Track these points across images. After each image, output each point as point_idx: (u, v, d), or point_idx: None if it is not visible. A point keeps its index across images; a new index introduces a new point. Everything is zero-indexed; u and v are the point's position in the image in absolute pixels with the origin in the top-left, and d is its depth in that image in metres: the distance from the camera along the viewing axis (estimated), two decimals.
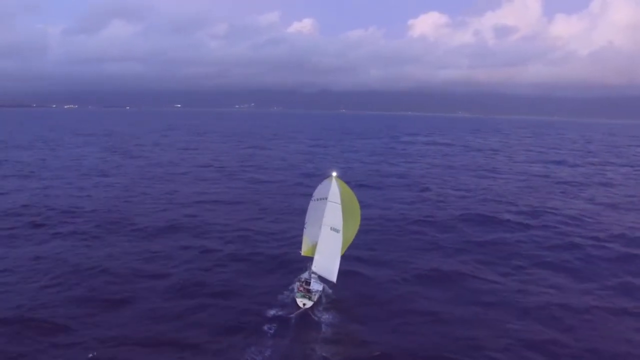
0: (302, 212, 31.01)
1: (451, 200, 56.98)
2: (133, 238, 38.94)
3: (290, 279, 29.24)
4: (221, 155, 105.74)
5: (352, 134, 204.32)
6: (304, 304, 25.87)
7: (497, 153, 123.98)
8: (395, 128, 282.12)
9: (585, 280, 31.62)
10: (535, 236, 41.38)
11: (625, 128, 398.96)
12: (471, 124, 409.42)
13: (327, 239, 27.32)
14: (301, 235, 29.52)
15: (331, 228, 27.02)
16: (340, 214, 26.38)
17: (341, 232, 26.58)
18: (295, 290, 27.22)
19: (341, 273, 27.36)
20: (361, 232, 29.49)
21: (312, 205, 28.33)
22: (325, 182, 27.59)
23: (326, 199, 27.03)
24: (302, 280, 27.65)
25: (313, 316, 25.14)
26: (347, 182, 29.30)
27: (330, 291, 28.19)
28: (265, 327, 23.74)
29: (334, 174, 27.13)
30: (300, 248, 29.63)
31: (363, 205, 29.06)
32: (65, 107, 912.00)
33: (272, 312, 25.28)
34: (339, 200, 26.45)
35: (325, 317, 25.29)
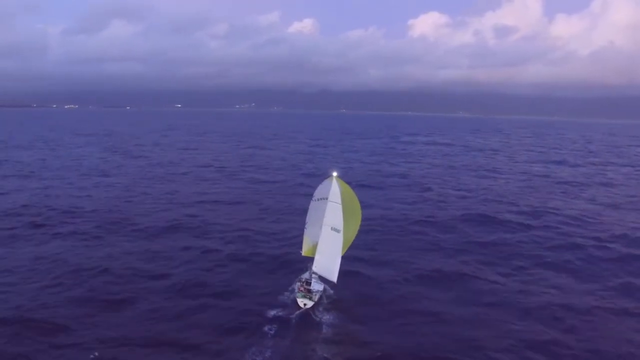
0: (303, 212, 30.97)
1: (452, 200, 56.91)
2: (133, 238, 38.89)
3: (291, 280, 29.19)
4: (221, 155, 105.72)
5: (352, 134, 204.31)
6: (305, 304, 25.84)
7: (498, 153, 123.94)
8: (396, 128, 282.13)
9: (587, 281, 31.56)
10: (537, 236, 41.31)
11: (625, 128, 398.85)
12: (471, 124, 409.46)
13: (328, 239, 27.27)
14: (302, 236, 29.48)
15: (332, 228, 26.98)
16: (341, 214, 26.34)
17: (342, 232, 26.54)
18: (296, 290, 27.17)
19: (342, 273, 27.32)
20: (362, 232, 29.44)
21: (313, 205, 28.27)
22: (325, 182, 27.54)
23: (327, 199, 26.98)
24: (303, 280, 27.59)
25: (314, 316, 25.10)
26: (348, 182, 29.25)
27: (331, 291, 28.14)
28: (266, 328, 23.70)
29: (335, 173, 27.09)
30: (300, 248, 29.59)
31: (364, 206, 29.01)
32: (66, 107, 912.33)
33: (272, 313, 25.24)
34: (339, 200, 26.40)
35: (326, 317, 25.25)
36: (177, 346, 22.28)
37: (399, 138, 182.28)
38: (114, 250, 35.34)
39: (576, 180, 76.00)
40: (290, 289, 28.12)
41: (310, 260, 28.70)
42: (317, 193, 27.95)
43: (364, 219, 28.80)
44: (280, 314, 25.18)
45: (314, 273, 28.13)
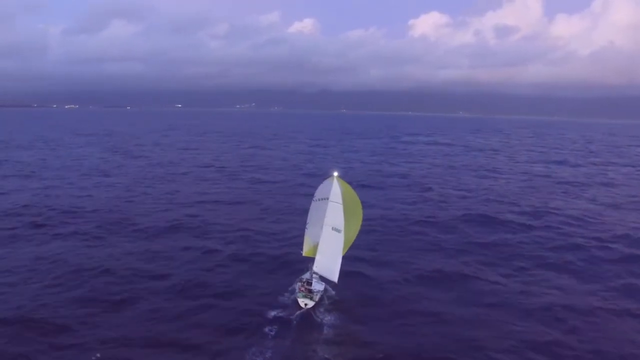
0: (303, 212, 30.92)
1: (453, 200, 56.84)
2: (134, 238, 38.85)
3: (292, 280, 29.14)
4: (222, 155, 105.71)
5: (353, 134, 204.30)
6: (306, 304, 25.79)
7: (498, 153, 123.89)
8: (396, 128, 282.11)
9: (589, 282, 31.47)
10: (538, 237, 41.22)
11: (625, 128, 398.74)
12: (471, 124, 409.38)
13: (329, 238, 27.22)
14: (302, 236, 29.46)
15: (332, 228, 26.93)
16: (342, 213, 26.29)
17: (342, 232, 26.48)
18: (297, 290, 27.12)
19: (343, 273, 27.27)
20: (363, 232, 29.38)
21: (314, 205, 28.23)
22: (326, 182, 27.50)
23: (327, 199, 26.94)
24: (304, 280, 27.56)
25: (314, 316, 25.04)
26: (349, 182, 29.20)
27: (331, 291, 28.10)
28: (267, 328, 23.65)
29: (335, 173, 27.05)
30: (301, 249, 29.56)
31: (364, 206, 28.96)
32: (66, 107, 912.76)
33: (273, 313, 25.19)
34: (340, 200, 26.36)
35: (327, 317, 25.20)
36: (177, 346, 22.24)
37: (399, 138, 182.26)
38: (115, 251, 35.29)
39: (577, 180, 75.93)
40: (290, 289, 28.07)
41: (310, 260, 28.66)
42: (318, 193, 27.90)
43: (364, 219, 28.74)
44: (280, 314, 25.13)
45: (315, 273, 28.09)
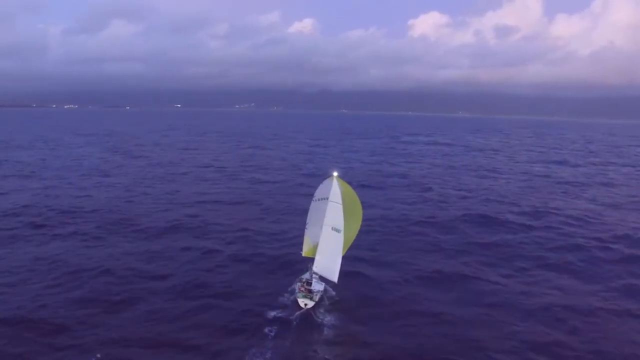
0: (303, 212, 30.88)
1: (453, 200, 56.79)
2: (134, 239, 38.80)
3: (292, 280, 29.10)
4: (222, 155, 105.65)
5: (352, 134, 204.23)
6: (306, 304, 25.76)
7: (498, 153, 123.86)
8: (396, 128, 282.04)
9: (589, 282, 31.42)
10: (538, 237, 41.15)
11: (625, 128, 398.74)
12: (471, 124, 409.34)
13: (328, 238, 27.19)
14: (302, 236, 29.42)
15: (332, 228, 26.89)
16: (342, 213, 26.25)
17: (342, 232, 26.43)
18: (297, 290, 27.09)
19: (343, 273, 27.23)
20: (363, 232, 29.33)
21: (314, 205, 28.19)
22: (326, 182, 27.46)
23: (327, 199, 26.90)
24: (304, 280, 27.54)
25: (314, 317, 25.00)
26: (349, 182, 29.16)
27: (331, 291, 28.07)
28: (267, 329, 23.61)
29: (335, 173, 27.01)
30: (301, 249, 29.51)
31: (364, 206, 28.91)
32: (66, 107, 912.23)
33: (273, 313, 25.16)
34: (340, 200, 26.32)
35: (327, 318, 25.16)
36: (177, 347, 22.20)
37: (399, 138, 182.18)
38: (115, 251, 35.24)
39: (577, 180, 75.89)
40: (290, 289, 28.03)
41: (310, 260, 28.63)
42: (318, 193, 27.87)
43: (364, 219, 28.70)
44: (280, 314, 25.09)
45: (315, 273, 28.06)
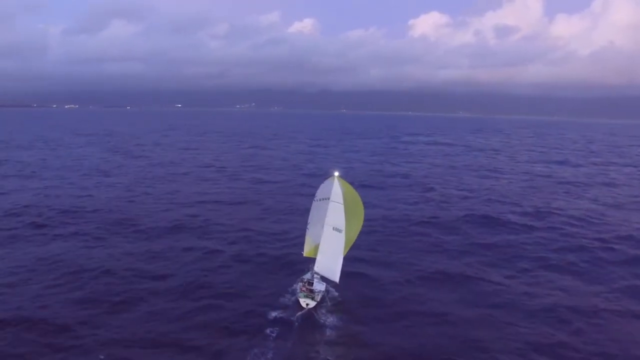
0: (304, 212, 30.78)
1: (454, 200, 56.66)
2: (135, 239, 38.69)
3: (293, 280, 29.00)
4: (222, 155, 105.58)
5: (353, 134, 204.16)
6: (307, 304, 25.68)
7: (499, 153, 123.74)
8: (396, 128, 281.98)
9: (593, 283, 31.27)
10: (541, 238, 40.99)
11: (625, 128, 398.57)
12: (472, 124, 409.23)
13: (330, 238, 27.07)
14: (303, 236, 29.31)
15: (333, 228, 26.78)
16: (343, 213, 26.15)
17: (343, 232, 26.32)
18: (298, 290, 27.00)
19: (344, 274, 27.13)
20: (364, 232, 29.22)
21: (315, 205, 28.11)
22: (327, 182, 27.37)
23: (328, 199, 26.79)
24: (305, 280, 27.47)
25: (316, 317, 24.90)
26: (350, 182, 29.03)
27: (333, 292, 27.99)
28: (268, 329, 23.51)
29: (336, 173, 26.91)
30: (302, 249, 29.39)
31: (366, 206, 28.76)
32: (66, 107, 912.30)
33: (274, 314, 25.08)
34: (341, 200, 26.22)
35: (329, 318, 25.06)
36: (178, 348, 22.11)
37: (399, 138, 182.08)
38: (116, 251, 35.13)
39: (578, 180, 75.75)
40: (291, 289, 27.94)
41: (312, 261, 28.54)
42: (319, 193, 27.79)
43: (366, 220, 28.62)
44: (282, 315, 25.00)
45: (316, 273, 27.97)
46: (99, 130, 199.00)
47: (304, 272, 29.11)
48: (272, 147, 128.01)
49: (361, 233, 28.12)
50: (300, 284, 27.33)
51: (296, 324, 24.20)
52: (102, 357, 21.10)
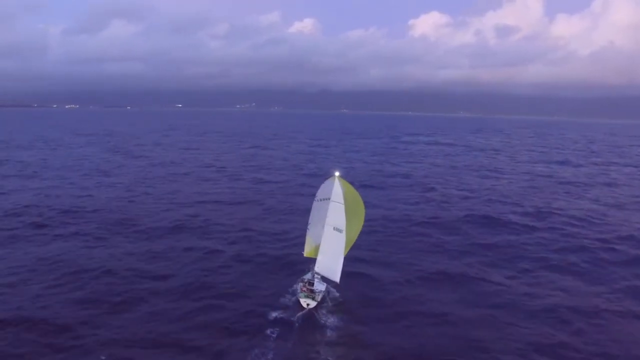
0: (305, 212, 30.75)
1: (455, 200, 56.60)
2: (136, 239, 38.66)
3: (294, 280, 29.00)
4: (223, 155, 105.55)
5: (353, 134, 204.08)
6: (308, 304, 25.67)
7: (499, 153, 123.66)
8: (396, 128, 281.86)
9: (594, 283, 31.23)
10: (541, 238, 40.93)
11: (625, 128, 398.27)
12: (472, 124, 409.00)
13: (330, 238, 27.05)
14: (304, 236, 29.27)
15: (334, 228, 26.76)
16: (343, 213, 26.13)
17: (344, 232, 26.29)
18: (299, 290, 26.99)
19: (345, 274, 27.10)
20: (365, 232, 29.17)
21: (315, 205, 28.08)
22: (327, 181, 27.35)
23: (329, 199, 26.75)
24: (305, 280, 27.47)
25: (317, 317, 24.88)
26: (350, 183, 29.00)
27: (334, 292, 27.97)
28: (269, 330, 23.50)
29: (337, 173, 26.88)
30: (303, 249, 29.36)
31: (366, 206, 28.74)
32: (66, 107, 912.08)
33: (275, 314, 25.07)
34: (342, 200, 26.19)
35: (329, 318, 25.04)
36: (179, 348, 22.10)
37: (399, 138, 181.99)
38: (116, 251, 35.11)
39: (579, 180, 75.68)
40: (291, 290, 27.92)
41: (312, 261, 28.51)
42: (320, 193, 27.76)
43: (367, 220, 28.60)
44: (282, 315, 24.98)
45: (317, 273, 27.95)
46: (99, 130, 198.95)
47: (305, 272, 29.10)
48: (272, 147, 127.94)
49: (362, 233, 28.11)
50: (301, 284, 27.32)
51: (297, 324, 24.18)
52: (103, 357, 21.09)
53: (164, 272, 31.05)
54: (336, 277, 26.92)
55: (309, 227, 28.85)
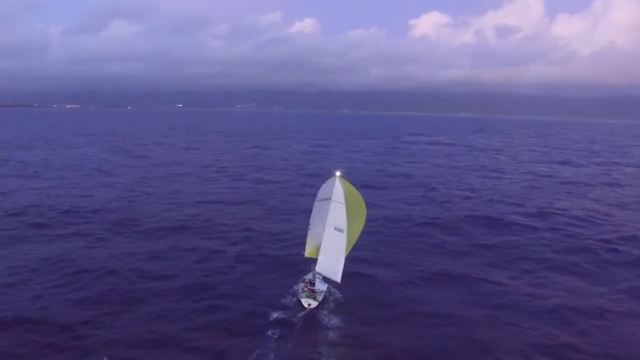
0: (306, 212, 30.69)
1: (456, 200, 56.49)
2: (136, 239, 38.60)
3: (295, 280, 28.97)
4: (223, 155, 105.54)
5: (354, 134, 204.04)
6: (309, 304, 25.64)
7: (501, 153, 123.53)
8: (397, 128, 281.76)
9: (597, 284, 31.14)
10: (544, 238, 40.86)
11: (626, 128, 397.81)
12: (473, 124, 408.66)
13: (331, 238, 27.01)
14: (305, 236, 29.16)
15: (335, 228, 26.72)
16: (344, 213, 26.08)
17: (345, 231, 26.21)
18: (300, 290, 26.94)
19: (346, 274, 27.04)
20: (366, 233, 29.09)
21: (316, 205, 28.04)
22: (328, 181, 27.30)
23: (330, 199, 26.69)
24: (307, 281, 27.43)
25: (318, 317, 24.84)
26: (351, 183, 28.88)
27: (335, 292, 27.92)
28: (270, 330, 23.47)
29: (338, 173, 26.81)
30: (304, 249, 29.26)
31: (367, 206, 28.63)
32: (67, 107, 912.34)
33: (276, 315, 25.04)
34: (343, 200, 26.13)
35: (330, 319, 24.99)
36: (180, 348, 22.06)
37: (400, 138, 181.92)
38: (117, 252, 35.05)
39: (581, 180, 75.55)
40: (292, 290, 27.88)
41: (313, 261, 28.47)
42: (321, 193, 27.72)
43: (368, 220, 28.51)
44: (284, 315, 24.95)
45: (318, 273, 27.87)
46: (100, 130, 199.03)
47: (306, 272, 29.03)
48: (273, 147, 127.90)
49: (363, 233, 28.06)
50: (302, 284, 27.28)
51: (298, 324, 24.14)
52: (105, 358, 21.01)
53: (165, 273, 30.98)
54: (337, 277, 26.85)
55: (310, 227, 28.77)
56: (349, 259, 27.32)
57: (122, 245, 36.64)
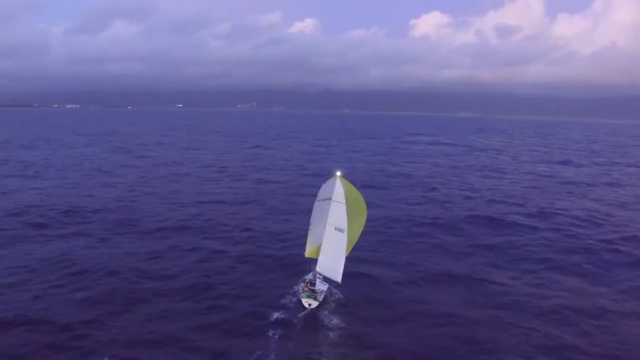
0: (307, 212, 30.66)
1: (457, 201, 56.44)
2: (137, 239, 38.59)
3: (295, 281, 28.94)
4: (224, 155, 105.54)
5: (354, 134, 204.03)
6: (310, 304, 25.62)
7: (501, 153, 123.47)
8: (397, 128, 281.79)
9: (598, 284, 31.08)
10: (545, 239, 40.80)
11: (627, 128, 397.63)
12: (473, 123, 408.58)
13: (332, 238, 26.97)
14: (306, 236, 29.12)
15: (336, 228, 26.68)
16: (345, 213, 26.04)
17: (346, 231, 26.17)
18: (300, 290, 26.91)
19: (347, 274, 26.99)
20: (367, 233, 29.05)
21: (317, 205, 28.01)
22: (329, 181, 27.27)
23: (330, 199, 26.66)
24: (307, 281, 27.41)
25: (318, 318, 24.81)
26: (352, 183, 28.85)
27: (335, 292, 27.87)
28: (271, 330, 23.45)
29: (338, 173, 26.78)
30: (304, 250, 29.22)
31: (368, 206, 28.61)
32: (67, 107, 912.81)
33: (277, 315, 25.01)
34: (343, 200, 26.10)
35: (331, 319, 24.96)
36: (181, 348, 22.04)
37: (401, 138, 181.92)
38: (118, 252, 35.03)
39: (582, 180, 75.48)
40: (292, 291, 27.85)
41: (314, 261, 28.43)
42: (321, 193, 27.70)
43: (368, 220, 28.46)
44: (284, 316, 24.92)
45: (318, 274, 27.84)
46: (100, 130, 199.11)
47: (306, 272, 29.01)
48: (274, 147, 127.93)
49: (363, 233, 28.01)
50: (303, 284, 27.26)
51: (298, 325, 24.11)
52: (106, 358, 20.97)
53: (166, 273, 30.96)
54: (338, 278, 26.81)
55: (310, 227, 28.74)
56: (349, 259, 27.28)
57: (122, 245, 36.62)
